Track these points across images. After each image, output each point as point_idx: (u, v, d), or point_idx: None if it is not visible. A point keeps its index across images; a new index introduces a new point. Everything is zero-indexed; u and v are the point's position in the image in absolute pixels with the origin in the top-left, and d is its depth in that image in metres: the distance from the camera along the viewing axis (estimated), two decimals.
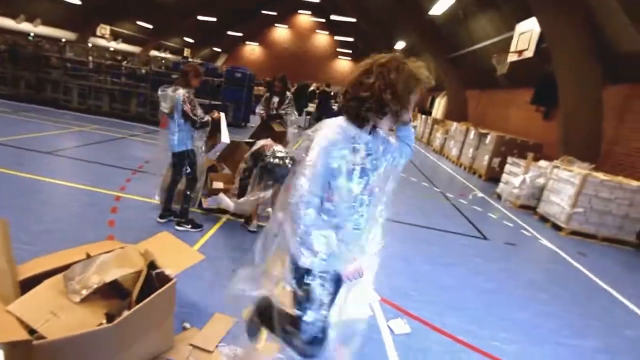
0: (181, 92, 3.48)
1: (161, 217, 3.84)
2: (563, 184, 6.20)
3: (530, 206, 6.97)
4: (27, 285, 1.83)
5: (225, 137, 3.97)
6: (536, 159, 7.46)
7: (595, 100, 7.98)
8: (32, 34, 17.96)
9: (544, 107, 10.81)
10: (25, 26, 18.62)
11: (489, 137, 9.65)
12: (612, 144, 8.09)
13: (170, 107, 3.51)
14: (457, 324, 2.94)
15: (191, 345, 2.21)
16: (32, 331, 1.61)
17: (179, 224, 3.74)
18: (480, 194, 7.76)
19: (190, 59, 28.63)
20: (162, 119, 3.80)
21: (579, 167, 6.32)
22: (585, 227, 5.87)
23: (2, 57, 10.37)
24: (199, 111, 3.56)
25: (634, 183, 5.88)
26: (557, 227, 6.09)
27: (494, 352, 2.67)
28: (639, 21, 6.50)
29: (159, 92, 3.56)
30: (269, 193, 4.07)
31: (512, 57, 10.61)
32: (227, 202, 4.05)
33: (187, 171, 3.73)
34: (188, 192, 3.77)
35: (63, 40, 17.51)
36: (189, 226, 3.75)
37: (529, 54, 9.60)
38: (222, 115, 3.90)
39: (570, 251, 5.12)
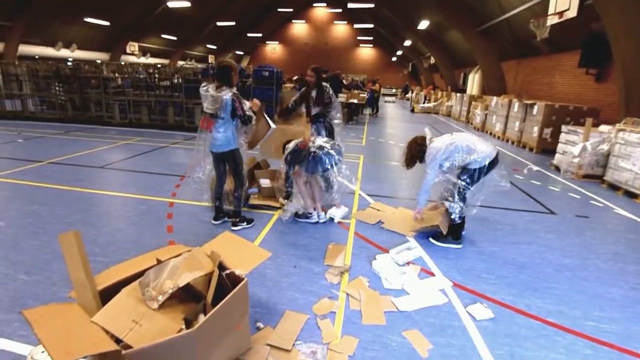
0: (228, 92, 3.35)
1: (215, 219, 3.83)
2: (632, 147, 5.63)
3: (595, 175, 6.41)
4: (105, 295, 1.82)
5: (271, 122, 3.93)
6: (595, 125, 6.86)
7: None
8: (70, 59, 19.04)
9: (594, 69, 9.97)
10: (63, 52, 19.82)
11: (536, 108, 9.02)
12: None
13: (216, 107, 3.37)
14: (543, 305, 2.69)
15: (268, 345, 2.14)
16: (117, 340, 1.58)
17: (234, 224, 3.71)
18: (535, 168, 7.24)
19: None
20: (204, 120, 3.50)
21: None
22: None
23: (49, 83, 10.96)
24: (246, 106, 3.46)
25: None
26: (631, 195, 5.54)
27: (592, 333, 2.41)
28: None
29: (201, 91, 3.44)
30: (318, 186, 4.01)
31: (552, 20, 9.81)
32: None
33: (235, 170, 3.68)
34: (238, 191, 3.72)
35: (99, 61, 18.39)
36: (245, 223, 3.72)
37: (572, 13, 8.81)
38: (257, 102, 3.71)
39: None
